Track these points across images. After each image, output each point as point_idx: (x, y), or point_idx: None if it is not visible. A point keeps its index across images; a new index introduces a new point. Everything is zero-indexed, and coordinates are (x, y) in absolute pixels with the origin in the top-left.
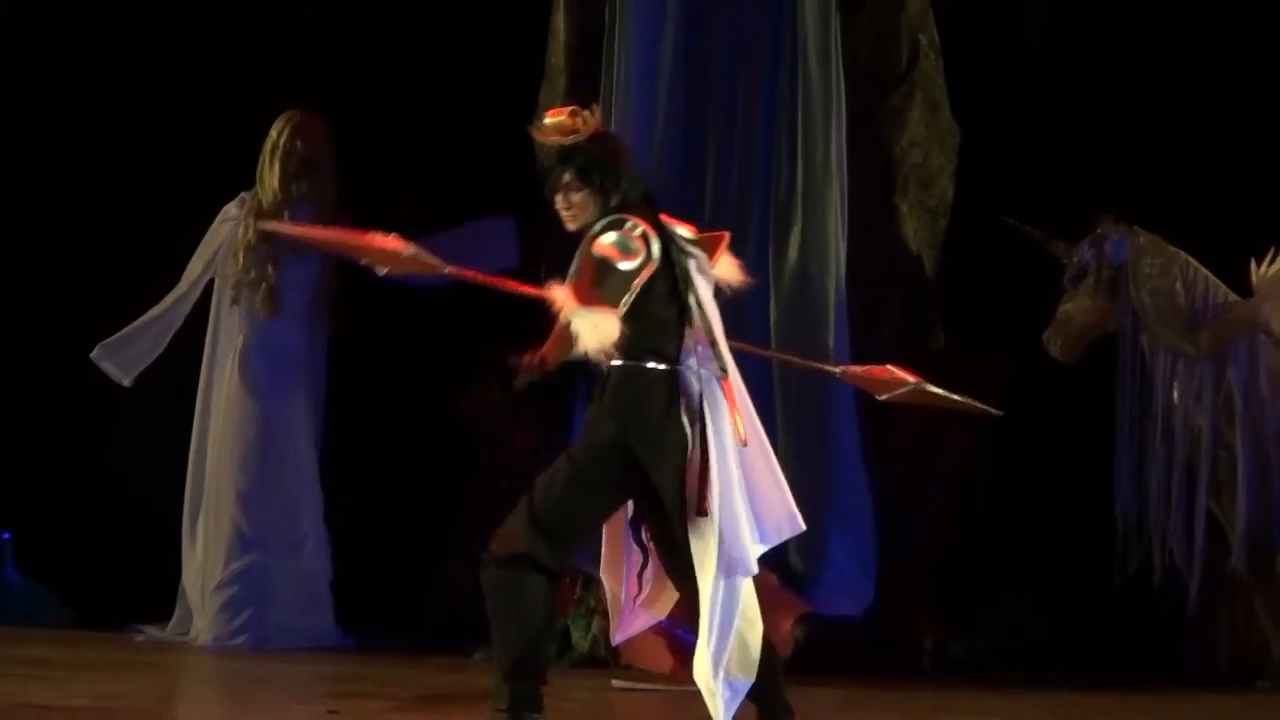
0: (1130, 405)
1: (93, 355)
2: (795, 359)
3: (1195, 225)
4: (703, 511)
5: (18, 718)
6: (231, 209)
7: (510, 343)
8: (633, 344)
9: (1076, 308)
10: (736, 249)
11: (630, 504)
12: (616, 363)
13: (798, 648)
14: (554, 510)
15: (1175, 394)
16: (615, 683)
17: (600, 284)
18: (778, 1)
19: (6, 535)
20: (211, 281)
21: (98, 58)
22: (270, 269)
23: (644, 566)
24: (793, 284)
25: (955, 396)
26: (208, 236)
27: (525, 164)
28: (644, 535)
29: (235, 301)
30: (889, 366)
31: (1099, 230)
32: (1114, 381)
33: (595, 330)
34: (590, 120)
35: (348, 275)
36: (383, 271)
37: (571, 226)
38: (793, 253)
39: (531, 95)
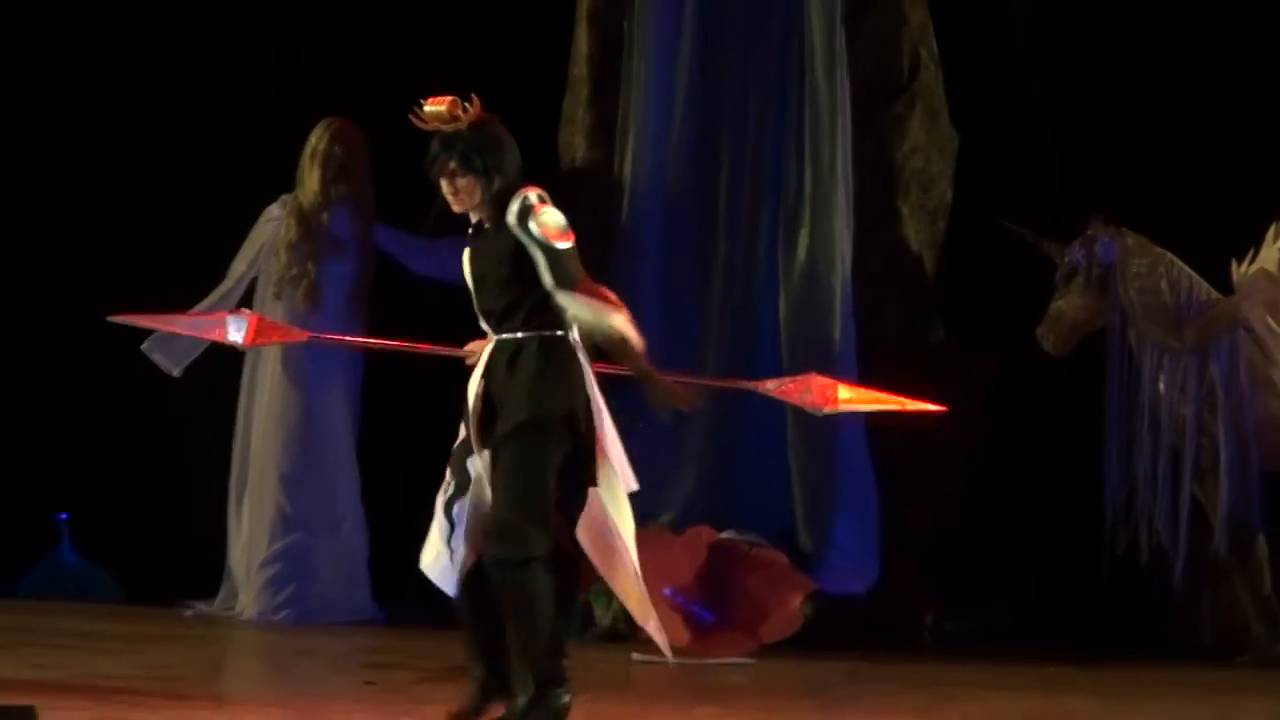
0: (1119, 396)
1: (143, 347)
2: (718, 381)
3: (1180, 227)
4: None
5: (74, 688)
6: (274, 209)
7: None
8: (557, 314)
9: (1068, 305)
10: (748, 248)
11: None
12: (545, 333)
13: (806, 623)
14: (540, 498)
15: (1161, 386)
16: (635, 656)
17: (584, 271)
18: (786, 17)
19: (64, 517)
20: (255, 278)
21: (144, 61)
22: (311, 266)
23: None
24: (801, 281)
25: (885, 403)
26: (251, 235)
27: (549, 168)
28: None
29: (278, 297)
30: (813, 378)
31: (1089, 232)
32: (1103, 374)
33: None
34: (471, 110)
35: (383, 271)
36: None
37: (457, 209)
38: (801, 252)
39: (555, 104)
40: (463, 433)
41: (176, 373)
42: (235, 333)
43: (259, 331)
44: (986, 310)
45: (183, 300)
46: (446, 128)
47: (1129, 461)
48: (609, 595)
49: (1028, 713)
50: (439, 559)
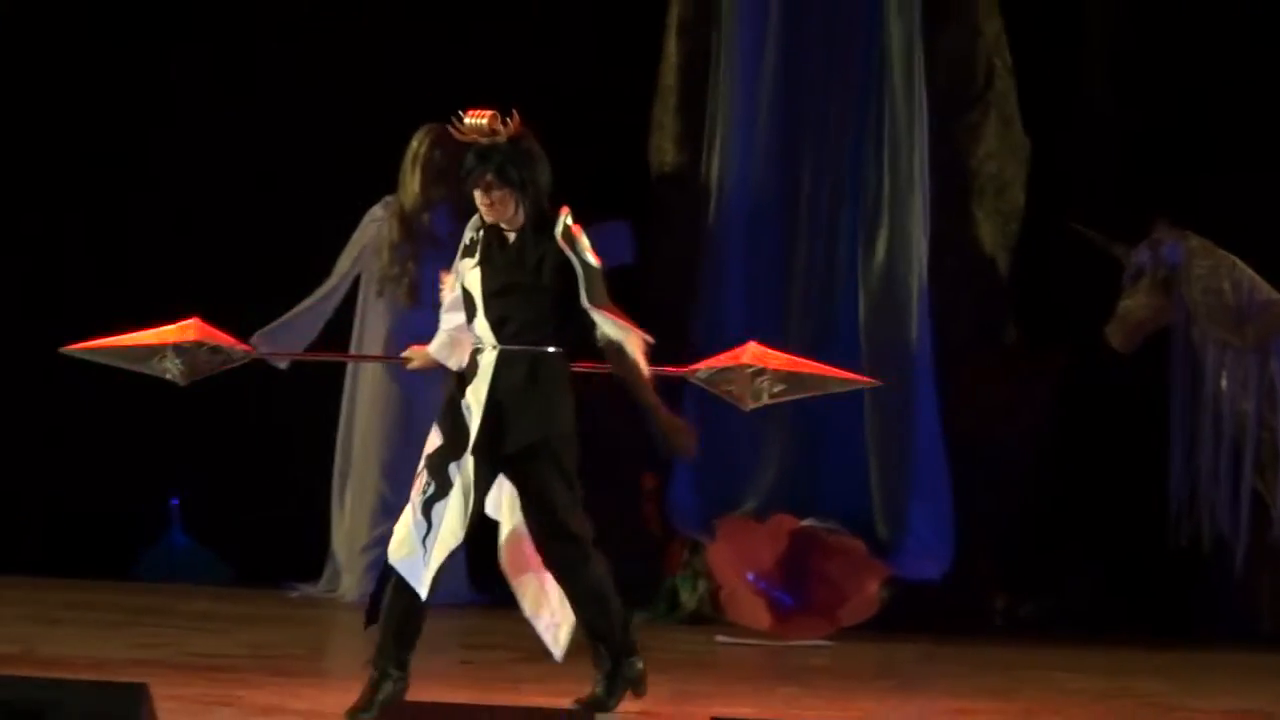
0: (1183, 392)
1: (252, 341)
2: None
3: (1243, 230)
4: None
5: (183, 666)
6: (377, 211)
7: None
8: (570, 331)
9: (1135, 304)
10: (829, 249)
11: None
12: (561, 349)
13: (882, 607)
14: (577, 498)
15: (1223, 382)
16: (719, 638)
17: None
18: (866, 29)
19: (175, 502)
20: (358, 276)
21: (261, 70)
22: (411, 265)
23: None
24: (880, 282)
25: (811, 370)
26: (355, 235)
27: (639, 173)
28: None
29: (380, 294)
30: (747, 346)
31: (1155, 235)
32: (1168, 371)
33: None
34: (511, 124)
35: None
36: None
37: (489, 219)
38: (880, 254)
39: (645, 111)
40: (438, 439)
41: (283, 366)
42: (172, 370)
43: (201, 336)
44: (1057, 309)
45: (288, 298)
46: (484, 140)
47: (1192, 454)
48: (694, 580)
49: (1096, 693)
50: (412, 555)
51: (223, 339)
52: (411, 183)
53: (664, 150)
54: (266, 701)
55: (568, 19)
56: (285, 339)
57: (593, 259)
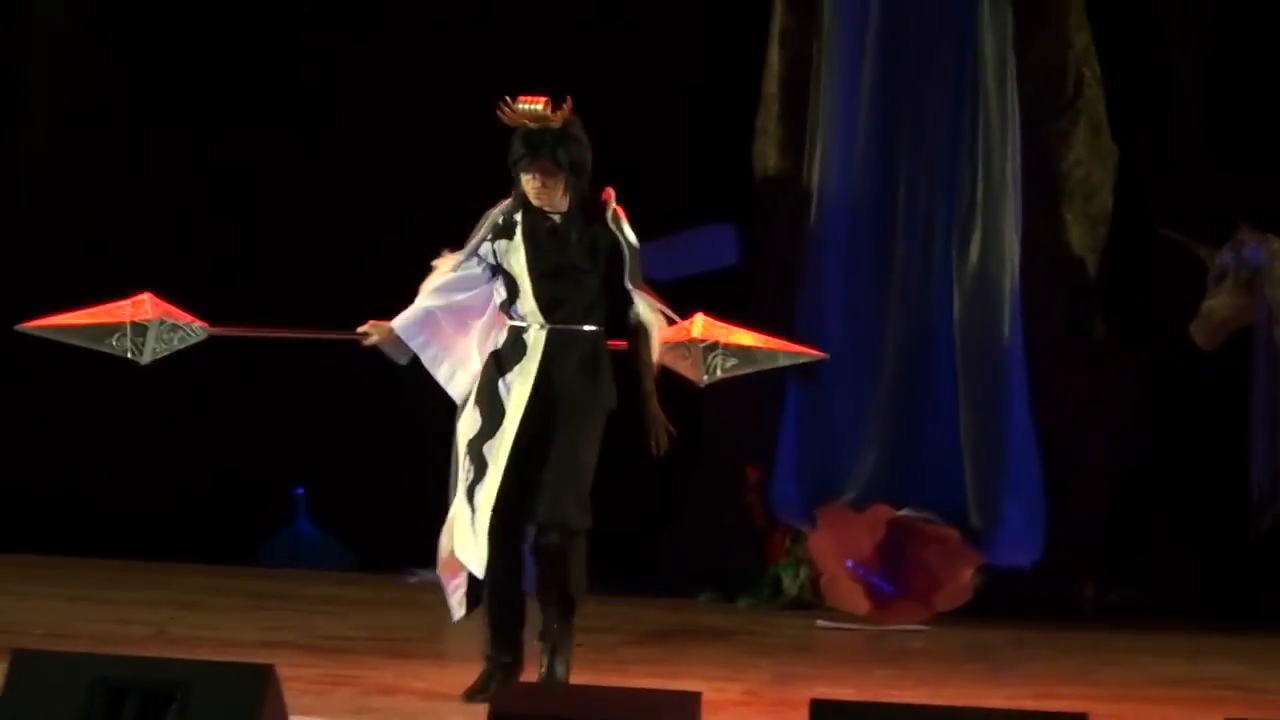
0: (1264, 387)
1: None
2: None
3: None
4: None
5: (308, 647)
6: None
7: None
8: (607, 312)
9: (1218, 304)
10: (925, 250)
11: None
12: (603, 329)
13: (976, 594)
14: (590, 481)
15: None
16: (820, 623)
17: None
18: (961, 39)
19: (300, 492)
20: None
21: (373, 71)
22: None
23: None
24: (974, 282)
25: (763, 345)
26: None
27: (743, 178)
28: None
29: None
30: (694, 319)
31: (1238, 237)
32: (1250, 367)
33: None
34: (564, 109)
35: None
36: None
37: (538, 202)
38: (974, 254)
39: (749, 118)
40: (476, 421)
41: (402, 361)
42: (131, 348)
43: (157, 313)
44: (1144, 309)
45: (408, 293)
46: (535, 125)
47: (1273, 446)
48: (796, 567)
49: (1180, 677)
50: (470, 545)
51: (179, 315)
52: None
53: (767, 155)
54: (386, 682)
55: (674, 30)
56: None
57: (635, 240)
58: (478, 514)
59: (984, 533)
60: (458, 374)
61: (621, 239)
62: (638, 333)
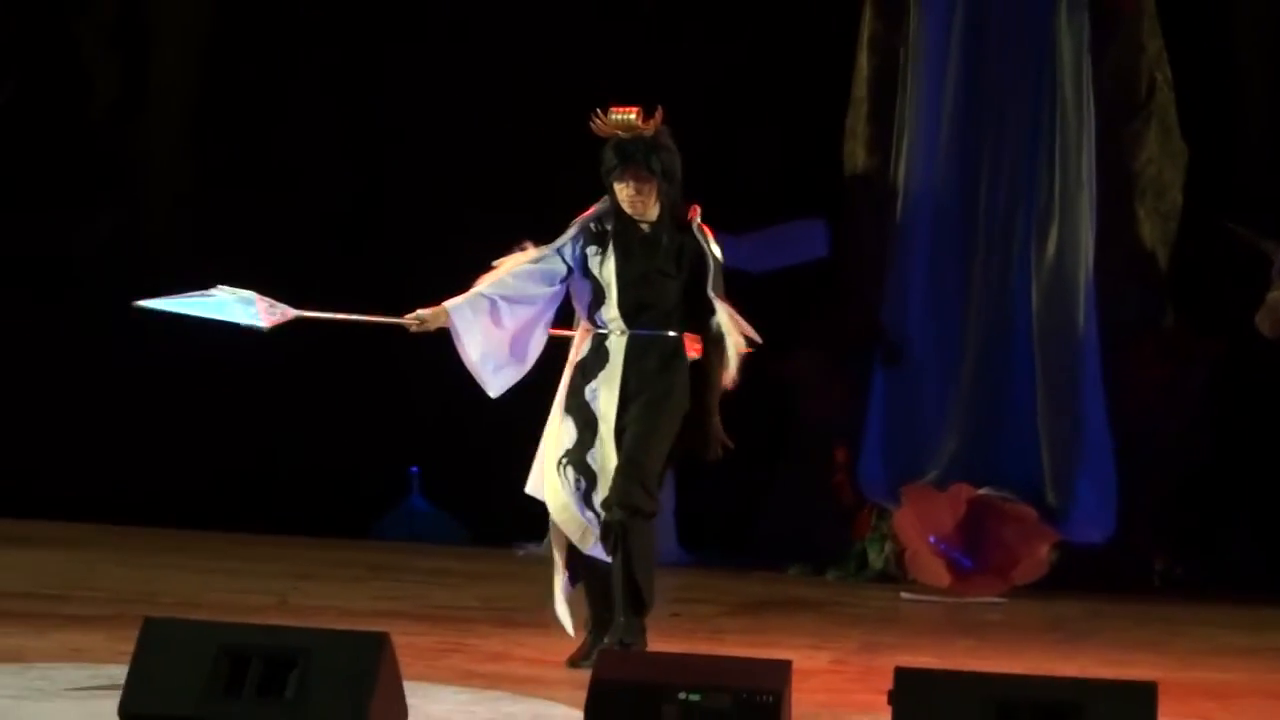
0: None
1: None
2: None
3: None
4: None
5: (420, 616)
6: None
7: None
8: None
9: None
10: (1005, 244)
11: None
12: (677, 334)
13: (1051, 568)
14: (659, 471)
15: None
16: (904, 595)
17: None
18: (1040, 45)
19: (415, 470)
20: None
21: (494, 73)
22: None
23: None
24: (1051, 275)
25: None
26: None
27: (833, 175)
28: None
29: None
30: None
31: None
32: None
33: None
34: (655, 119)
35: None
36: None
37: (632, 210)
38: (1051, 249)
39: (839, 120)
40: (572, 431)
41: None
42: (251, 317)
43: (263, 311)
44: (1212, 300)
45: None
46: (627, 134)
47: None
48: (882, 542)
49: (1244, 648)
50: (594, 544)
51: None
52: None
53: (855, 155)
54: (495, 650)
55: (768, 37)
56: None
57: (720, 254)
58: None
59: (1059, 511)
60: (504, 369)
61: (708, 250)
62: (714, 345)
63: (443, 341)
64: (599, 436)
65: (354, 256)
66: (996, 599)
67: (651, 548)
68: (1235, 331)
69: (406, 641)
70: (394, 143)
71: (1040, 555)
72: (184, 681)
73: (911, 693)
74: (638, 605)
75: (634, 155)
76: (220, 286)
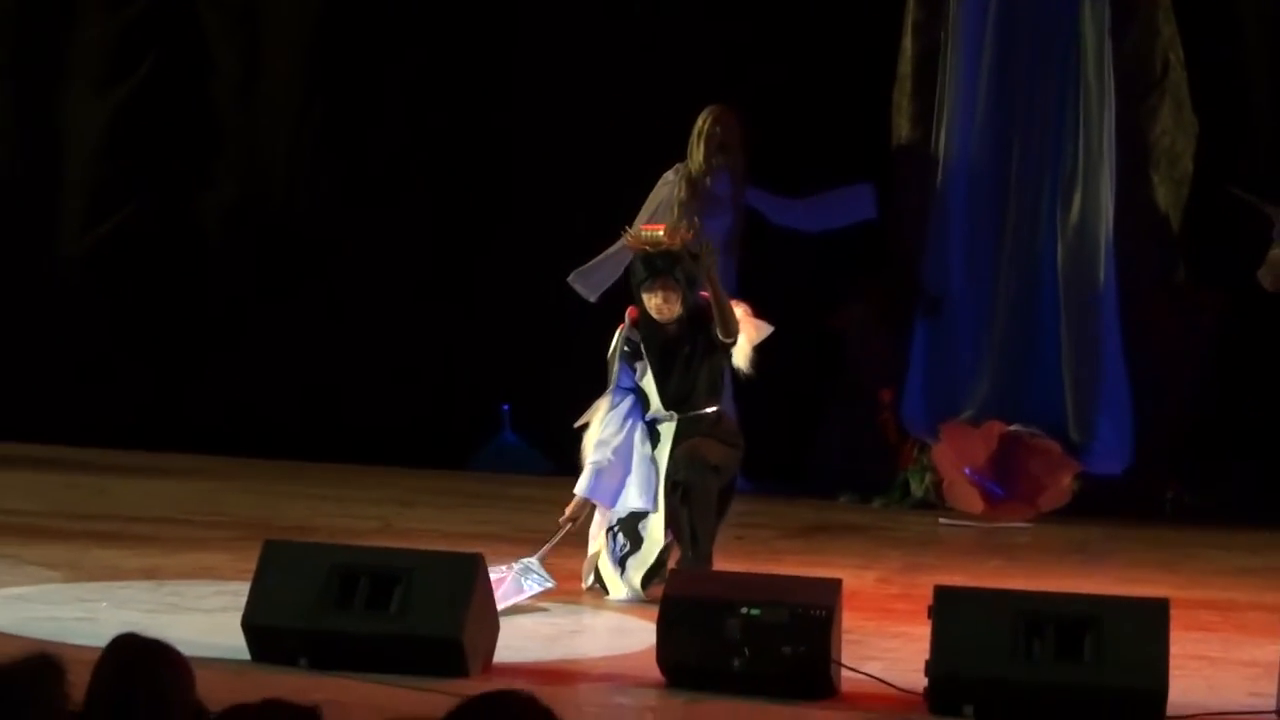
0: None
1: (569, 279)
2: None
3: None
4: None
5: (512, 538)
6: (669, 175)
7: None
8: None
9: None
10: (1033, 207)
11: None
12: (717, 408)
13: (1074, 497)
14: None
15: None
16: (941, 521)
17: None
18: (1066, 29)
19: (506, 408)
20: None
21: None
22: (697, 219)
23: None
24: (1075, 236)
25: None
26: (652, 194)
27: (881, 145)
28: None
29: None
30: None
31: None
32: None
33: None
34: (679, 235)
35: (753, 224)
36: None
37: (658, 316)
38: (1075, 212)
39: (887, 95)
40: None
41: (593, 299)
42: None
43: None
44: (1219, 257)
45: (597, 243)
46: (654, 250)
47: None
48: (922, 474)
49: (1243, 567)
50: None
51: None
52: (697, 153)
53: (901, 127)
54: (575, 568)
55: (826, 23)
56: (596, 277)
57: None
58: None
59: (1081, 445)
60: None
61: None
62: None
63: (530, 300)
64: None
65: (457, 232)
66: (1024, 524)
67: (711, 506)
68: (1240, 286)
69: (498, 560)
70: (504, 121)
71: (1064, 485)
72: (299, 596)
73: (948, 607)
74: (695, 545)
75: (661, 269)
76: None
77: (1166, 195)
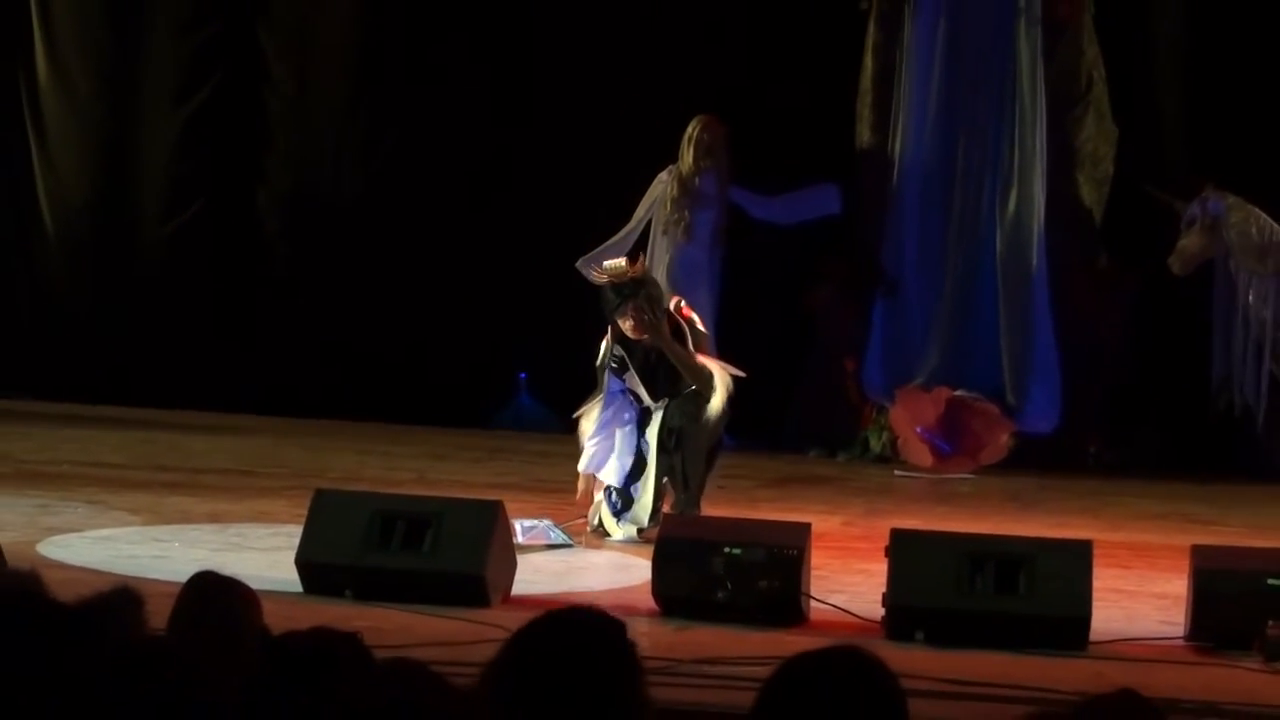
0: (1222, 304)
1: (577, 264)
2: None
3: (1266, 190)
4: None
5: (529, 487)
6: (663, 175)
7: (837, 257)
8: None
9: (1189, 242)
10: (975, 203)
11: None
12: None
13: (1010, 453)
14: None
15: (1250, 297)
16: (897, 472)
17: None
18: (1003, 51)
19: (523, 376)
20: (649, 221)
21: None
22: (687, 213)
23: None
24: (1011, 226)
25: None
26: (648, 192)
27: (846, 149)
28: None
29: (665, 233)
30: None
31: (1204, 194)
32: (1211, 289)
33: None
34: (637, 266)
35: (735, 218)
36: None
37: (633, 336)
38: (1011, 207)
39: (849, 105)
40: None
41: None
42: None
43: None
44: (1135, 245)
45: (598, 235)
46: (620, 279)
47: (1228, 348)
48: (880, 432)
49: (1157, 514)
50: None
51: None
52: (687, 155)
53: (862, 135)
54: (583, 514)
55: (799, 43)
56: (602, 261)
57: (700, 325)
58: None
59: (1016, 407)
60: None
61: (684, 325)
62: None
63: (544, 283)
64: (645, 474)
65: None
66: (968, 475)
67: (702, 452)
68: (1154, 270)
69: (516, 508)
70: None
71: (1001, 442)
72: (345, 538)
73: (903, 547)
74: (689, 493)
75: (628, 293)
76: None
77: (1090, 192)
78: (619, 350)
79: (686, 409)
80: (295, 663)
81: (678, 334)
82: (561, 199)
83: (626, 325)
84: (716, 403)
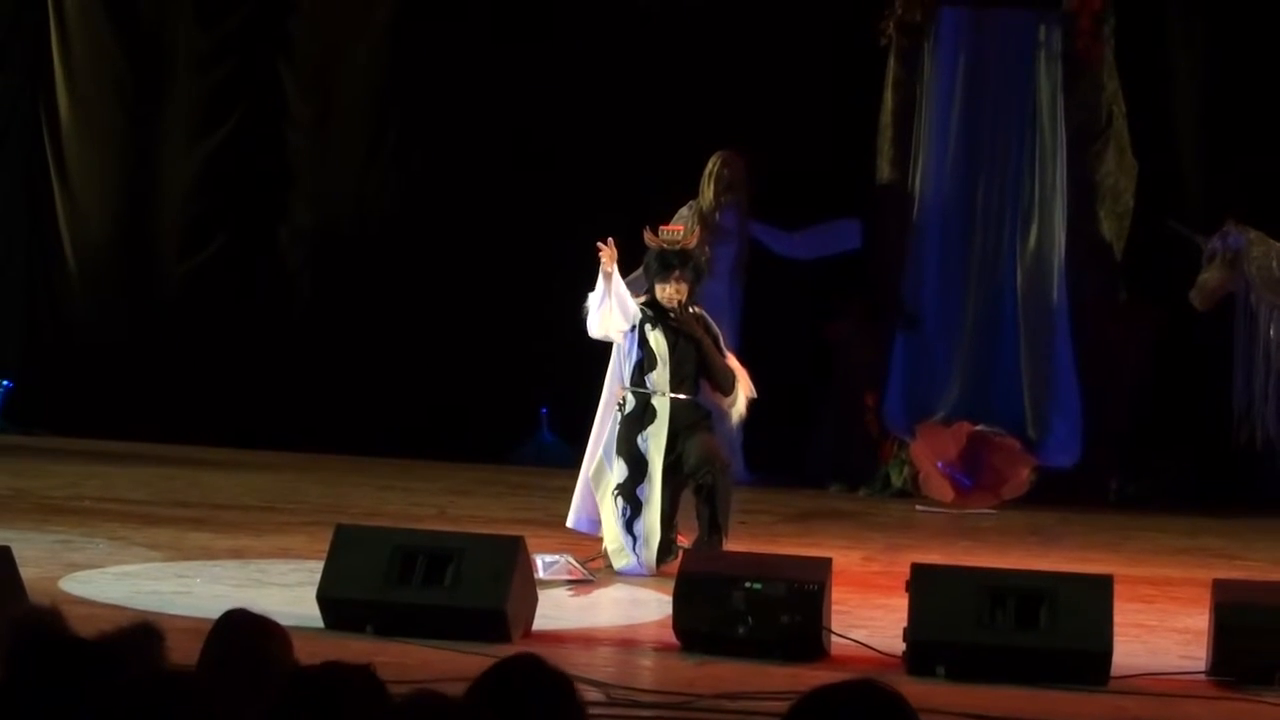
0: (1243, 337)
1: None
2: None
3: None
4: None
5: (548, 523)
6: (684, 211)
7: (858, 292)
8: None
9: (1210, 276)
10: (996, 237)
11: None
12: (698, 396)
13: (1031, 487)
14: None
15: (1271, 331)
16: (918, 508)
17: None
18: (1024, 86)
19: (544, 411)
20: None
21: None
22: (708, 247)
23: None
24: (1032, 261)
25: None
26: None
27: (866, 185)
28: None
29: None
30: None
31: (1225, 228)
32: (1232, 322)
33: None
34: (694, 235)
35: (755, 253)
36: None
37: (667, 305)
38: (1032, 241)
39: (870, 141)
40: (623, 469)
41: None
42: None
43: None
44: (1156, 280)
45: (623, 268)
46: (672, 246)
47: (1249, 381)
48: (901, 466)
49: (1179, 548)
50: (630, 562)
51: None
52: (708, 190)
53: (883, 169)
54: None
55: (820, 79)
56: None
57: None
58: (643, 540)
59: (1037, 442)
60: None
61: (712, 322)
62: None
63: (561, 313)
64: (648, 475)
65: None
66: (989, 510)
67: (730, 496)
68: (1174, 305)
69: (536, 543)
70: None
71: (1022, 477)
72: (367, 573)
73: (924, 582)
74: (716, 532)
75: (675, 264)
76: None
77: (1111, 227)
78: (650, 311)
79: (714, 462)
80: (310, 695)
81: (711, 336)
82: (583, 235)
83: (666, 292)
84: (740, 406)
